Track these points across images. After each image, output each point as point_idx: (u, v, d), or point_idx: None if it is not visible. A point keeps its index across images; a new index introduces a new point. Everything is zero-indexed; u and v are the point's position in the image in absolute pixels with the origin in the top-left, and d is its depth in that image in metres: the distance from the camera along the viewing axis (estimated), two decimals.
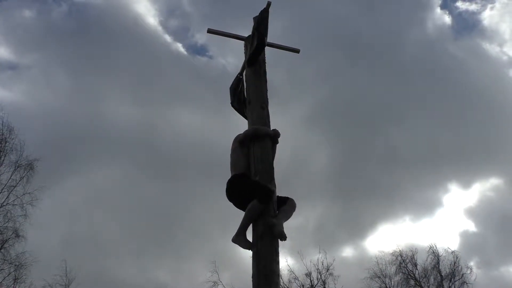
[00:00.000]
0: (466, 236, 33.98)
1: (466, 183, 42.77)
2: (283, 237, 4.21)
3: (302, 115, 38.64)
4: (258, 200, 4.32)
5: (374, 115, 39.81)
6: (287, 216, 4.55)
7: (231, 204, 4.79)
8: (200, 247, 31.79)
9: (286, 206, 4.60)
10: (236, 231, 4.47)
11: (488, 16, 52.95)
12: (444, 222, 36.86)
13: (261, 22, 5.22)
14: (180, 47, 55.78)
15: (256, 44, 5.21)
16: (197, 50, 56.35)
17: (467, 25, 53.07)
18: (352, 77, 42.18)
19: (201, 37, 50.94)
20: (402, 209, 38.08)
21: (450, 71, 41.20)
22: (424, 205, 37.02)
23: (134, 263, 29.80)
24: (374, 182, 35.08)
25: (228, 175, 4.90)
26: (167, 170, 36.64)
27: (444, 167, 36.44)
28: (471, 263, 24.66)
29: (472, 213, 38.05)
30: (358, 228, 34.67)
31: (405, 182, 36.87)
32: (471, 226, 42.68)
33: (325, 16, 42.23)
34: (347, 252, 34.59)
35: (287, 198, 4.69)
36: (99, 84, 39.21)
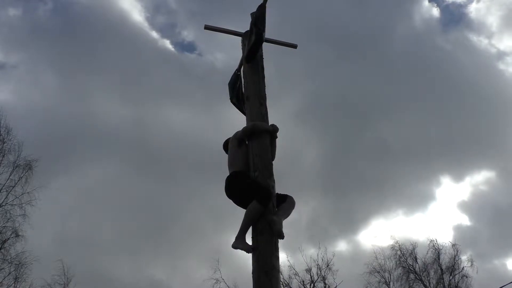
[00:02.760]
0: (460, 230, 33.97)
1: (458, 176, 42.91)
2: (281, 236, 4.20)
3: (291, 110, 38.32)
4: (258, 201, 4.28)
5: (364, 109, 39.69)
6: (287, 214, 4.54)
7: (225, 201, 4.75)
8: (195, 245, 31.87)
9: (286, 204, 4.58)
10: (236, 233, 4.38)
11: (474, 9, 53.30)
12: (438, 216, 36.86)
13: (259, 17, 5.18)
14: (167, 43, 55.54)
15: (254, 40, 5.18)
16: (185, 47, 56.09)
17: (454, 18, 53.17)
18: (341, 71, 42.04)
19: (189, 34, 50.64)
20: (395, 203, 38.08)
21: (439, 64, 40.95)
22: (417, 199, 37.09)
23: (130, 261, 29.83)
24: (365, 176, 35.05)
25: (225, 172, 4.87)
26: (159, 167, 36.52)
27: (436, 160, 36.30)
28: (465, 257, 24.72)
29: (465, 206, 38.09)
30: (351, 223, 34.68)
31: (397, 176, 36.89)
32: (464, 220, 42.70)
33: (313, 11, 41.88)
34: (341, 246, 34.73)
35: (286, 195, 4.67)
36: (87, 82, 38.60)
